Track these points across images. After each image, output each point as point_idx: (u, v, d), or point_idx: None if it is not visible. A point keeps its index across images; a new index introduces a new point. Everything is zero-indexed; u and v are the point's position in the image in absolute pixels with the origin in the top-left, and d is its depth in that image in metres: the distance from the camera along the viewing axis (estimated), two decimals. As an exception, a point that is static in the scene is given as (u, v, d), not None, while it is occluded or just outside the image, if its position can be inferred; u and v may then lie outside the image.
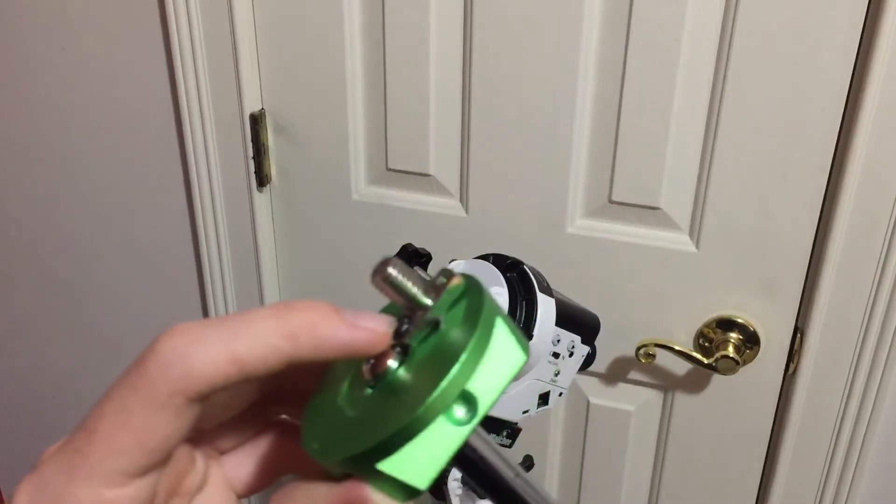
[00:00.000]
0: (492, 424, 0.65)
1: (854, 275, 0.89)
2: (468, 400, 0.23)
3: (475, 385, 0.23)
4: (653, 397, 1.08)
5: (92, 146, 1.17)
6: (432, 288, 0.26)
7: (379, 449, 0.23)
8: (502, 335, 0.24)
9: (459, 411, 0.23)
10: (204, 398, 0.24)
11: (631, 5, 0.87)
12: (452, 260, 0.66)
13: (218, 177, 1.10)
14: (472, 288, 0.26)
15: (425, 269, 0.69)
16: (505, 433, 0.67)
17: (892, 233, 0.86)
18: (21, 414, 1.48)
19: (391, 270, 0.25)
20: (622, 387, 1.09)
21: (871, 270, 0.89)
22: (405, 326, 0.26)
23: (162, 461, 0.24)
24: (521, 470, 0.27)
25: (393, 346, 0.25)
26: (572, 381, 0.68)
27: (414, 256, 0.68)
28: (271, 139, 1.08)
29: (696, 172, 0.92)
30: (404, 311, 0.26)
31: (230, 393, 0.27)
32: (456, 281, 0.26)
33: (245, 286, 1.17)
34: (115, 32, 1.08)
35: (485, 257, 0.64)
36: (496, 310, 0.25)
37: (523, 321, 0.60)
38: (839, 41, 0.81)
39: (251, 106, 1.05)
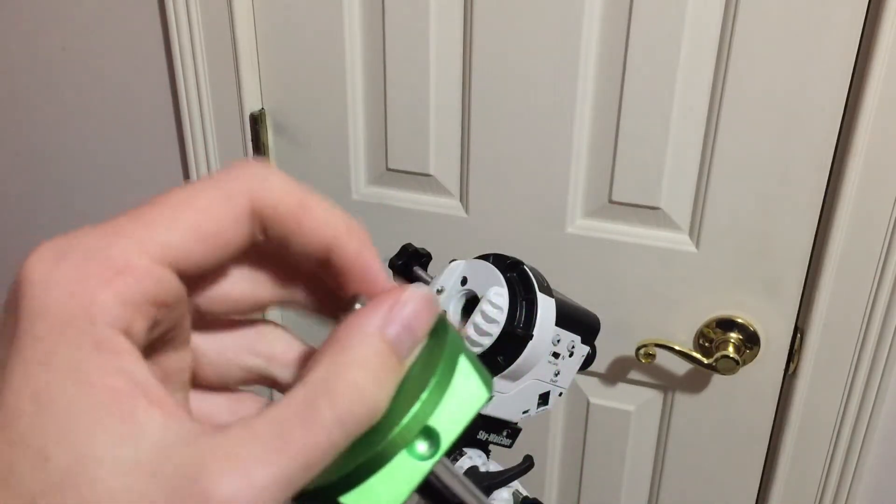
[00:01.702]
0: (492, 424, 0.65)
1: (854, 275, 0.89)
2: (431, 435, 0.24)
3: (437, 421, 0.24)
4: (653, 397, 1.08)
5: (92, 146, 1.17)
6: None
7: (341, 483, 0.23)
8: (465, 372, 0.25)
9: (422, 447, 0.23)
10: (263, 221, 0.23)
11: (631, 5, 0.87)
12: (452, 260, 0.66)
13: (218, 177, 1.10)
14: (437, 324, 0.26)
15: (425, 269, 0.69)
16: (505, 433, 0.67)
17: (892, 233, 0.86)
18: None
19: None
20: (622, 387, 1.09)
21: (871, 270, 0.89)
22: None
23: (206, 264, 0.22)
24: (485, 499, 0.27)
25: None
26: (572, 381, 0.68)
27: (414, 256, 0.68)
28: (271, 139, 1.08)
29: (696, 172, 0.92)
30: None
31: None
32: None
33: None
34: (115, 32, 1.08)
35: (485, 257, 0.64)
36: (460, 346, 0.25)
37: (523, 321, 0.60)
38: (839, 41, 0.81)
39: (251, 106, 1.05)
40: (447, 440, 0.24)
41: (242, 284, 0.26)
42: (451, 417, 0.24)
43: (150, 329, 0.21)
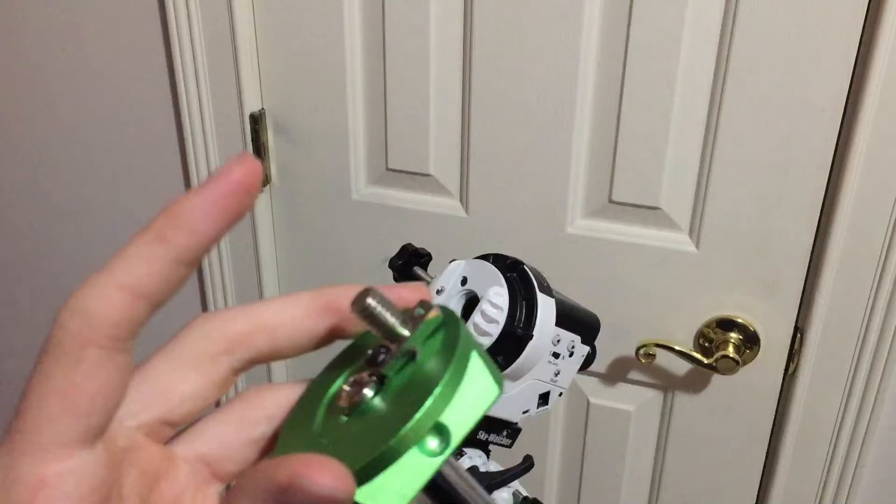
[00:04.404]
0: (492, 424, 0.65)
1: (854, 275, 0.89)
2: (441, 432, 0.24)
3: (449, 417, 0.24)
4: (653, 397, 1.08)
5: (92, 146, 1.17)
6: (410, 318, 0.26)
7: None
8: (477, 368, 0.25)
9: (432, 443, 0.23)
10: (120, 339, 0.23)
11: (631, 5, 0.87)
12: (452, 260, 0.66)
13: (218, 177, 1.10)
14: (449, 320, 0.26)
15: (425, 269, 0.69)
16: (505, 433, 0.67)
17: (892, 233, 0.86)
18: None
19: (369, 301, 0.25)
20: (622, 387, 1.09)
21: (871, 270, 0.89)
22: (382, 356, 0.26)
23: (102, 424, 0.22)
24: (490, 499, 0.27)
25: (370, 376, 0.26)
26: (572, 381, 0.68)
27: (414, 256, 0.68)
28: (271, 139, 1.08)
29: (696, 172, 0.92)
30: (381, 340, 0.26)
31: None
32: (433, 313, 0.27)
33: (245, 286, 1.17)
34: (115, 33, 1.08)
35: (485, 257, 0.64)
36: (472, 343, 0.25)
37: (523, 321, 0.60)
38: (839, 41, 0.81)
39: (251, 106, 1.05)
40: (457, 437, 0.24)
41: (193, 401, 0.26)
42: (461, 414, 0.24)
43: None
